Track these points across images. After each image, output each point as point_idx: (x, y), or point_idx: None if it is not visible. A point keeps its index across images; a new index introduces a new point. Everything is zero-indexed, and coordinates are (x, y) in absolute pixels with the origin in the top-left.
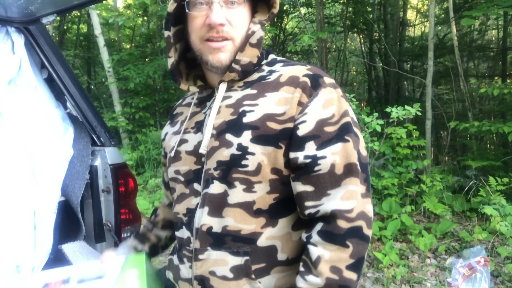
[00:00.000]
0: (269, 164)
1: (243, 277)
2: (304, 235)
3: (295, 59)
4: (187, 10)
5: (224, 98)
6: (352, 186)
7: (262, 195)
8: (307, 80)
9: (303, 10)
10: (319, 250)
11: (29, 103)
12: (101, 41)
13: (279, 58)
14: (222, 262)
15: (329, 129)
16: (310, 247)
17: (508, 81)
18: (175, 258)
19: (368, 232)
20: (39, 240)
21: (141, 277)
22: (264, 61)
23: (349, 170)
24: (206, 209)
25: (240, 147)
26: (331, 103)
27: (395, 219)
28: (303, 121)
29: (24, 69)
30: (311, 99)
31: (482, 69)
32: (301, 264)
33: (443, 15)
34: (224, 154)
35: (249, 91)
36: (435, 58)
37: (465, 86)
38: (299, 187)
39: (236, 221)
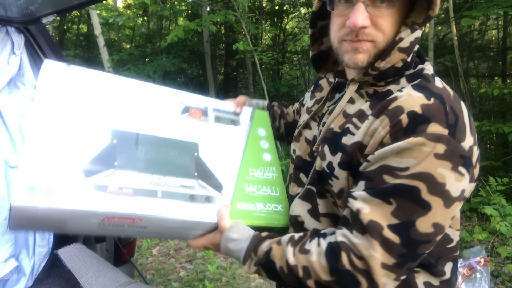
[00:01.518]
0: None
1: None
2: None
3: (295, 59)
4: (328, 8)
5: (350, 101)
6: (372, 251)
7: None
8: (405, 119)
9: (303, 10)
10: None
11: (29, 103)
12: (101, 41)
13: (427, 72)
14: None
15: (388, 179)
16: None
17: (508, 81)
18: None
19: None
20: (39, 240)
21: (269, 139)
22: (409, 72)
23: (370, 229)
24: (308, 205)
25: (330, 166)
26: (410, 155)
27: None
28: (367, 160)
29: (24, 69)
30: (392, 143)
31: (482, 69)
32: None
33: (443, 15)
34: (319, 164)
35: (366, 106)
36: (435, 58)
37: (465, 86)
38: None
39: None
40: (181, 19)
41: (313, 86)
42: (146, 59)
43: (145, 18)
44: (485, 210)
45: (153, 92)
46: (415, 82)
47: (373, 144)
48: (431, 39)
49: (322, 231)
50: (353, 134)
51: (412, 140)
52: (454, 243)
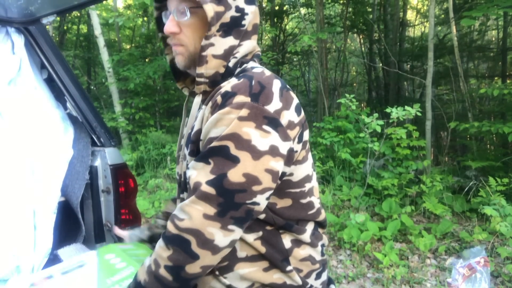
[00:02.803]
0: None
1: (209, 274)
2: None
3: (295, 59)
4: (163, 19)
5: (200, 109)
6: (194, 204)
7: None
8: (220, 98)
9: (303, 11)
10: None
11: (29, 103)
12: (101, 42)
13: (249, 67)
14: None
15: (209, 145)
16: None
17: (508, 81)
18: None
19: (196, 250)
20: (39, 240)
21: (120, 254)
22: (238, 70)
23: (194, 189)
24: None
25: (186, 159)
26: (222, 123)
27: (395, 220)
28: (201, 140)
29: (24, 69)
30: (211, 117)
31: (482, 70)
32: None
33: (443, 16)
34: (183, 166)
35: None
36: (435, 58)
37: (465, 86)
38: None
39: None
40: None
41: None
42: (146, 60)
43: (145, 18)
44: (485, 210)
45: None
46: (241, 73)
47: (203, 126)
48: (431, 40)
49: None
50: (194, 126)
51: (221, 111)
52: (315, 210)
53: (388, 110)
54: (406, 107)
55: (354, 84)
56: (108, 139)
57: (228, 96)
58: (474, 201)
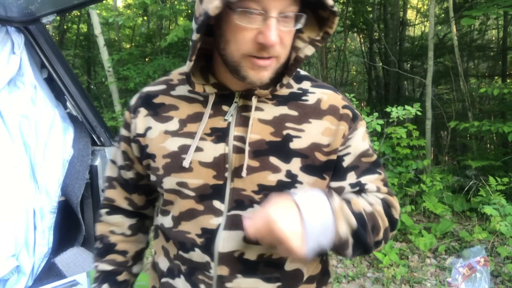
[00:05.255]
0: None
1: None
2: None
3: None
4: (237, 21)
5: (256, 109)
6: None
7: None
8: (348, 112)
9: None
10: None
11: (29, 103)
12: (101, 41)
13: (302, 72)
14: None
15: (366, 160)
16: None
17: (508, 81)
18: (180, 282)
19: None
20: (39, 240)
21: None
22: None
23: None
24: (240, 233)
25: (290, 174)
26: (366, 136)
27: None
28: (348, 153)
29: (24, 69)
30: (352, 132)
31: (482, 69)
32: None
33: (443, 15)
34: (269, 178)
35: (287, 110)
36: (435, 58)
37: (465, 86)
38: None
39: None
40: (181, 18)
41: (147, 110)
42: (146, 59)
43: (145, 17)
44: (485, 210)
45: None
46: (307, 81)
47: (335, 140)
48: (431, 39)
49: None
50: (299, 137)
51: (360, 124)
52: None
53: (388, 109)
54: (406, 107)
55: (354, 84)
56: (108, 138)
57: (353, 110)
58: (474, 200)
